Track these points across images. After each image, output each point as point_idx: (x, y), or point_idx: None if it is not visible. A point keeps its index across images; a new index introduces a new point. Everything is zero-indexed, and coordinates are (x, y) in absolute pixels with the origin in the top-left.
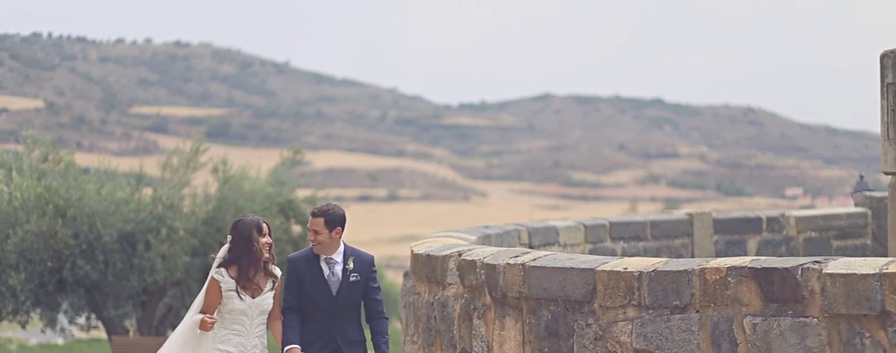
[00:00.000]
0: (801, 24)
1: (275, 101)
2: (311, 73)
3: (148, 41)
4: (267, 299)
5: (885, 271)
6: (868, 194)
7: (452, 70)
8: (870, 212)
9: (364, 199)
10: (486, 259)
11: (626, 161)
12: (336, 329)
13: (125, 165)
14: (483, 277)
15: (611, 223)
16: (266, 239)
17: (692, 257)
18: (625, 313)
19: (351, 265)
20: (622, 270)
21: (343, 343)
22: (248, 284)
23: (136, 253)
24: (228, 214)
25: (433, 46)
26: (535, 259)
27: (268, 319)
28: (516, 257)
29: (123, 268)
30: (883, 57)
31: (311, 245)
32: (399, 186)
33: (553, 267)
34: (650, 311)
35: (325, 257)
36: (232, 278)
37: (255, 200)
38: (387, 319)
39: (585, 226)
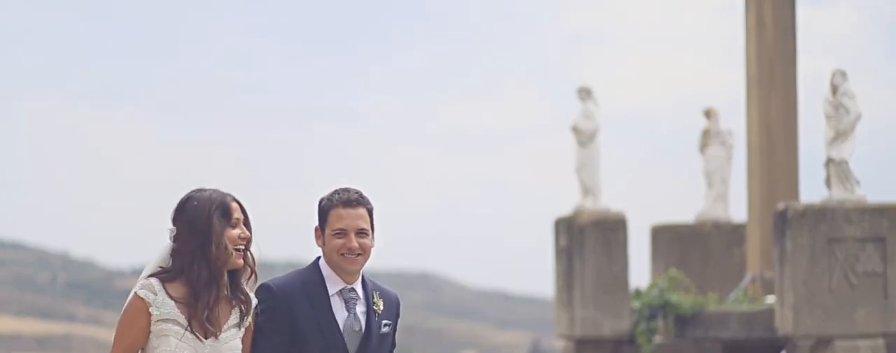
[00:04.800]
0: (479, 191)
1: None
2: None
3: None
4: (233, 343)
5: None
6: None
7: (124, 233)
8: None
9: None
10: None
11: None
12: None
13: None
14: None
15: None
16: (237, 232)
17: None
18: None
19: (380, 306)
20: None
21: None
22: (200, 313)
23: None
24: None
25: (105, 208)
26: None
27: None
28: None
29: None
30: (557, 223)
31: (302, 266)
32: (69, 351)
33: None
34: None
35: (344, 287)
36: (174, 299)
37: None
38: None
39: None
